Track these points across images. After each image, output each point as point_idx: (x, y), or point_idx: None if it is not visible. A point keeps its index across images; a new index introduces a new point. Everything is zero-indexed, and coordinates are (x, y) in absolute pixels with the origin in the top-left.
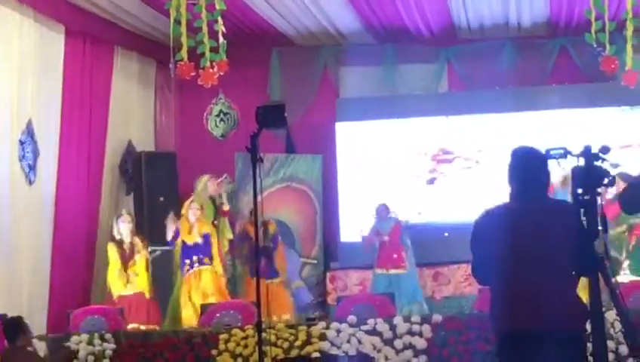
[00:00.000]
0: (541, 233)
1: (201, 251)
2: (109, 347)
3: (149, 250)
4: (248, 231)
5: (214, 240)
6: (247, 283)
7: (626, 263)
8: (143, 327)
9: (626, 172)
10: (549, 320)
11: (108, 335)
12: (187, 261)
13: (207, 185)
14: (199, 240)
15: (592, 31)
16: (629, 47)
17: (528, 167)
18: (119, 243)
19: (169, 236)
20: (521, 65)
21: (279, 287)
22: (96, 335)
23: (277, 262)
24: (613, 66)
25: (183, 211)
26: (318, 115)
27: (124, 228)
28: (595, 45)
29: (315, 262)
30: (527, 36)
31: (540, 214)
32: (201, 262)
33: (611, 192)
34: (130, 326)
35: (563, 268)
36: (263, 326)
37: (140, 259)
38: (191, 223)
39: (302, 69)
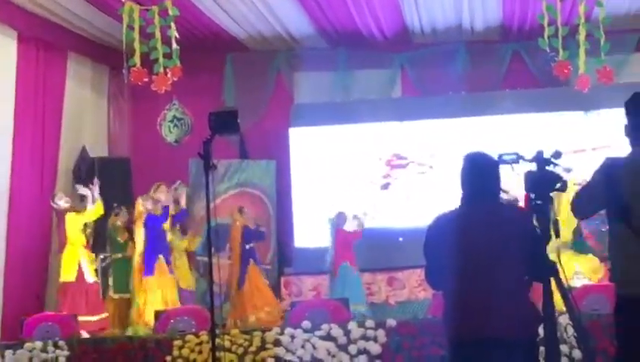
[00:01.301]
0: (493, 238)
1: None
2: (63, 354)
3: (102, 256)
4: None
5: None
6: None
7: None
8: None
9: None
10: (501, 325)
11: (61, 342)
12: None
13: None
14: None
15: (545, 36)
16: (581, 52)
17: (480, 172)
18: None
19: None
20: (475, 70)
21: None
22: (49, 342)
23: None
24: (566, 71)
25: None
26: (272, 121)
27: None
28: (548, 50)
29: (269, 267)
30: (481, 41)
31: (492, 219)
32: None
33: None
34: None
35: (515, 273)
36: (217, 331)
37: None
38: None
39: (256, 74)
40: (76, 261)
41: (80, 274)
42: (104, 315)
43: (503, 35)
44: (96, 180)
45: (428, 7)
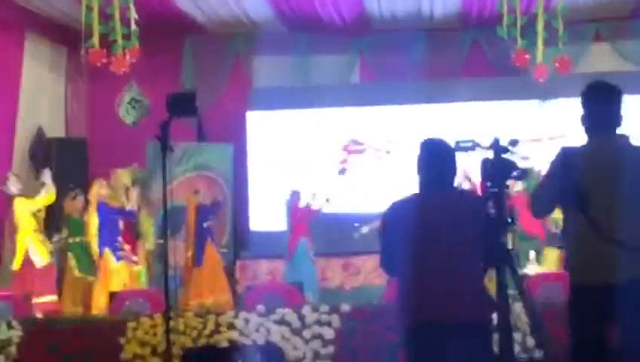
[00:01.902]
0: (448, 224)
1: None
2: (16, 334)
3: (56, 238)
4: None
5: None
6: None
7: None
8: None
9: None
10: (454, 310)
11: (15, 322)
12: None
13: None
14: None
15: (504, 24)
16: (540, 41)
17: (436, 158)
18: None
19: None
20: (433, 57)
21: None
22: (2, 322)
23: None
24: (524, 60)
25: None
26: (231, 104)
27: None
28: (506, 39)
29: (225, 250)
30: (440, 28)
31: (447, 205)
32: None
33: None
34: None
35: (470, 259)
36: (172, 314)
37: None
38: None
39: (214, 57)
40: (24, 248)
41: (28, 260)
42: (54, 297)
43: (462, 23)
44: (47, 170)
45: None
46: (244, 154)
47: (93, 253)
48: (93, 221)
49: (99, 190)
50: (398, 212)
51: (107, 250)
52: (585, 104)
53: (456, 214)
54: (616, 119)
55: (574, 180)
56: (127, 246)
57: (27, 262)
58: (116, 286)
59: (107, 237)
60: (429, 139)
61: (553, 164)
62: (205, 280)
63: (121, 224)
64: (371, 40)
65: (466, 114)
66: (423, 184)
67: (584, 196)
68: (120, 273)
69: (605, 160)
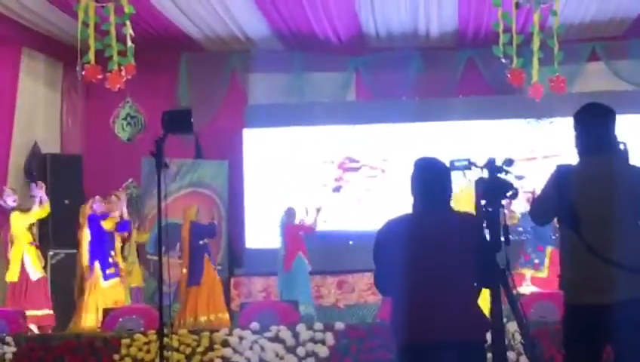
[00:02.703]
0: (442, 244)
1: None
2: (10, 350)
3: (51, 253)
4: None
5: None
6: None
7: None
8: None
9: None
10: (449, 331)
11: (9, 338)
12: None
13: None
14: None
15: (500, 43)
16: (535, 60)
17: (430, 178)
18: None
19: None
20: (429, 75)
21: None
22: None
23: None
24: (520, 79)
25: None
26: (226, 121)
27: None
28: (502, 58)
29: (220, 267)
30: (436, 47)
31: (442, 225)
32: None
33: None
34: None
35: (464, 280)
36: (166, 331)
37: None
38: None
39: (210, 74)
40: (19, 260)
41: (23, 272)
42: (49, 311)
43: (458, 42)
44: (40, 183)
45: (384, 11)
46: (239, 171)
47: (83, 268)
48: (84, 235)
49: (93, 206)
50: (391, 231)
51: (97, 266)
52: (577, 127)
53: (450, 234)
54: (609, 140)
55: (568, 199)
56: (121, 262)
57: (22, 274)
58: (105, 302)
59: (98, 252)
60: (422, 158)
61: (548, 181)
62: (204, 299)
63: (115, 239)
64: (367, 58)
65: (462, 132)
66: (417, 204)
67: (577, 216)
68: (109, 289)
69: (598, 180)
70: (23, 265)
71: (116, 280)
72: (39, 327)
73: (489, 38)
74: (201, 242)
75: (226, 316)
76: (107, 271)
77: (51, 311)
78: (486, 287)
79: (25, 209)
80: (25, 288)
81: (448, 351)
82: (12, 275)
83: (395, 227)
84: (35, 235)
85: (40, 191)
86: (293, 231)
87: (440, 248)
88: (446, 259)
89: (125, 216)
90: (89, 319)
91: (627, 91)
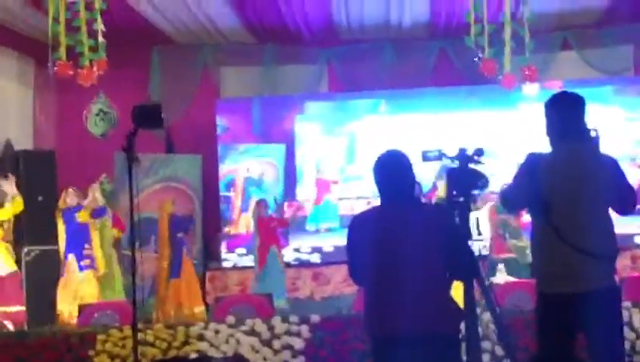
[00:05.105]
0: (411, 236)
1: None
2: None
3: (26, 250)
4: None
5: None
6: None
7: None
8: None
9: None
10: (422, 322)
11: None
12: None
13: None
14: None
15: (472, 34)
16: (507, 50)
17: (393, 171)
18: None
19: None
20: (401, 66)
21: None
22: None
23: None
24: (492, 69)
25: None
26: (199, 115)
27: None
28: (474, 48)
29: (195, 261)
30: (408, 37)
31: (410, 217)
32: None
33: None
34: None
35: (435, 270)
36: (141, 326)
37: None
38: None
39: (182, 68)
40: None
41: None
42: (21, 307)
43: (429, 32)
44: (10, 176)
45: (355, 2)
46: (214, 164)
47: (59, 260)
48: (60, 228)
49: (66, 199)
50: (360, 225)
51: (72, 258)
52: (548, 115)
53: (417, 225)
54: (579, 128)
55: (538, 188)
56: (98, 254)
57: None
58: (80, 295)
59: (74, 245)
60: (385, 152)
61: (519, 169)
62: (183, 293)
63: (91, 231)
64: (339, 49)
65: (434, 123)
66: (383, 196)
67: (547, 204)
68: (84, 281)
69: (569, 168)
70: None
71: (90, 272)
72: (13, 323)
73: (461, 28)
74: (179, 235)
75: (202, 309)
76: (81, 263)
77: (23, 308)
78: (457, 278)
79: None
80: None
81: (422, 343)
82: None
83: (362, 221)
84: (6, 231)
85: (10, 186)
86: (266, 224)
87: (407, 240)
88: (415, 251)
89: (100, 201)
90: (65, 311)
91: (599, 79)
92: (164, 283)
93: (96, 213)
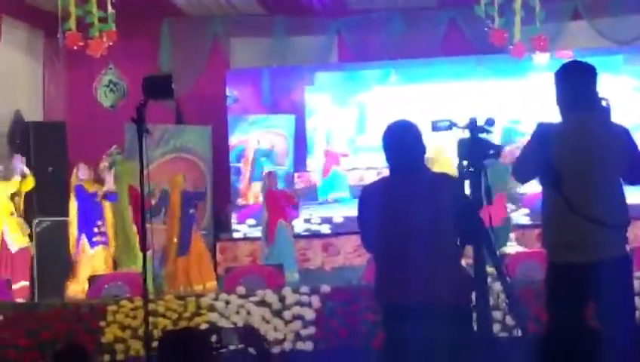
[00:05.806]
0: (421, 205)
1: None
2: None
3: (37, 221)
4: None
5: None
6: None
7: None
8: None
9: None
10: (433, 291)
11: None
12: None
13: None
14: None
15: (482, 3)
16: (517, 19)
17: (403, 140)
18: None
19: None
20: (411, 36)
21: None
22: None
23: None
24: (502, 39)
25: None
26: (209, 86)
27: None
28: (484, 18)
29: (205, 232)
30: (417, 7)
31: (420, 186)
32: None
33: None
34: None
35: (446, 240)
36: (151, 297)
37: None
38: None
39: (192, 39)
40: (0, 231)
41: (3, 243)
42: (25, 283)
43: (439, 2)
44: (21, 157)
45: None
46: (224, 135)
47: (71, 237)
48: (72, 205)
49: (78, 174)
50: (371, 195)
51: (84, 236)
52: (558, 84)
53: (428, 195)
54: (590, 98)
55: (548, 158)
56: (110, 231)
57: (3, 245)
58: (92, 271)
59: (85, 221)
60: (394, 122)
61: (530, 139)
62: (192, 270)
63: (104, 208)
64: (349, 20)
65: (444, 93)
66: (393, 167)
67: (558, 174)
68: (96, 258)
69: (579, 138)
70: (3, 236)
71: (101, 247)
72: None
73: None
74: (191, 211)
75: (214, 284)
76: (93, 239)
77: (27, 283)
78: (468, 244)
79: (7, 178)
80: (5, 260)
81: (432, 311)
82: None
83: (372, 192)
84: (17, 206)
85: (20, 164)
86: (275, 197)
87: (419, 209)
88: (425, 220)
89: (111, 186)
90: (77, 289)
91: (610, 49)
92: (174, 259)
93: (109, 197)
